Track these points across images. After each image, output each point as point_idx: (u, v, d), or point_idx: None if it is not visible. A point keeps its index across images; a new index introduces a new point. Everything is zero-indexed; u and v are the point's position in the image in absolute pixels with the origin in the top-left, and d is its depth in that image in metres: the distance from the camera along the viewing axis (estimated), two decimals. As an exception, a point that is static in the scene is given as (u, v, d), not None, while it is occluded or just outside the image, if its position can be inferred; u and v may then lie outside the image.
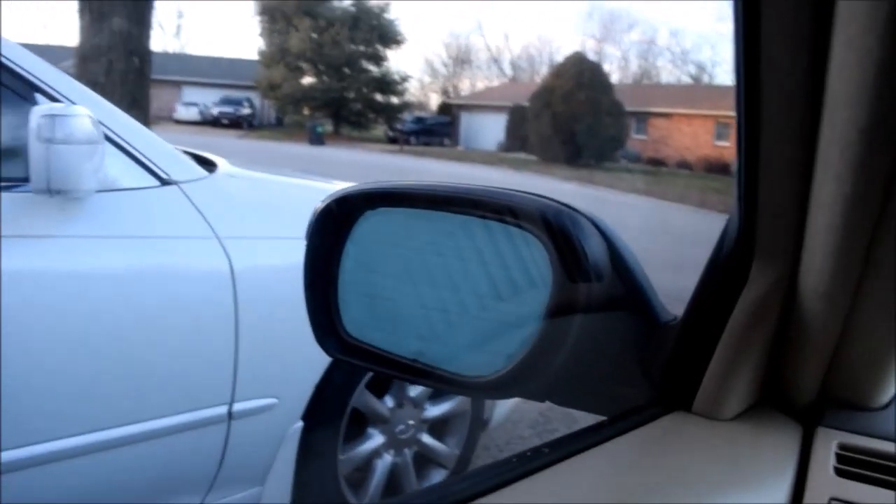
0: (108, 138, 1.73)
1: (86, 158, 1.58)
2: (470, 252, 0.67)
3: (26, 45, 1.78)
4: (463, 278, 0.67)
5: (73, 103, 1.69)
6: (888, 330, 0.60)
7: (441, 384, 0.69)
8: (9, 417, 1.58)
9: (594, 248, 0.60)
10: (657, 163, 29.83)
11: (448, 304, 0.68)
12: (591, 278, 0.60)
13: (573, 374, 0.65)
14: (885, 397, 0.67)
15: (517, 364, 0.62)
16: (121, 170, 1.76)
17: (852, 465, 0.60)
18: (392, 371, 0.71)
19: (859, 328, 0.60)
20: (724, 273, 0.64)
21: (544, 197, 0.64)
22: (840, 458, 0.61)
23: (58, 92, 1.72)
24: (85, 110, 1.61)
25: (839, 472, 0.59)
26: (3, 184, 1.66)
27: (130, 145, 1.79)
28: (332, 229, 0.73)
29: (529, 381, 0.63)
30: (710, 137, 29.13)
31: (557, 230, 0.60)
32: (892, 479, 0.58)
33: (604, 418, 0.66)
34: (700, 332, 0.65)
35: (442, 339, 0.69)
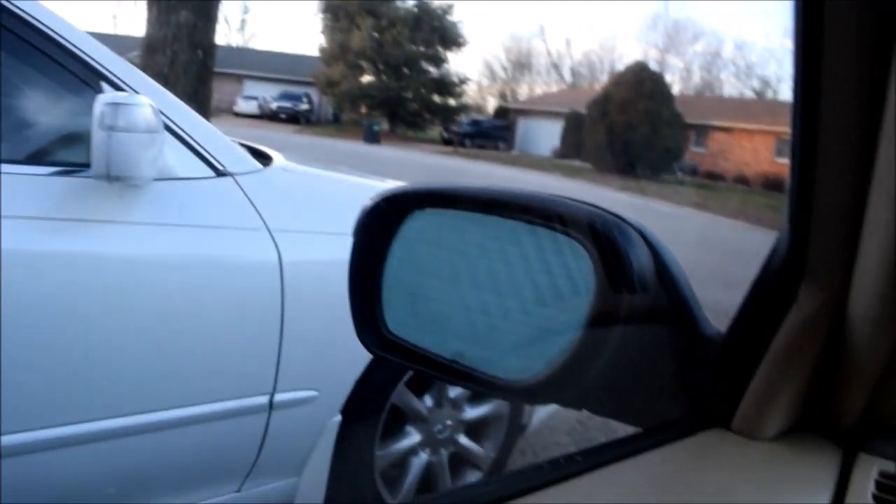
0: (167, 128, 1.77)
1: (145, 147, 1.62)
2: (515, 257, 0.67)
3: (94, 34, 1.84)
4: (507, 283, 0.67)
5: (137, 93, 1.74)
6: None
7: (479, 386, 0.69)
8: (50, 396, 1.63)
9: (640, 259, 0.60)
10: (715, 177, 29.33)
11: (491, 308, 0.69)
12: (635, 289, 0.59)
13: (611, 384, 0.64)
14: (933, 427, 0.66)
15: (555, 370, 0.62)
16: (178, 159, 1.81)
17: (892, 493, 0.58)
18: (430, 370, 0.72)
19: None
20: (771, 291, 0.62)
21: (593, 205, 0.64)
22: (880, 486, 0.59)
23: (122, 81, 1.77)
24: (147, 100, 1.66)
25: (878, 500, 0.58)
26: (65, 168, 1.72)
27: (189, 136, 1.84)
28: (379, 227, 0.73)
29: (566, 388, 0.63)
30: (771, 154, 28.53)
31: (604, 239, 0.60)
32: None
33: (640, 430, 0.65)
34: (744, 350, 0.64)
35: (482, 341, 0.69)
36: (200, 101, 6.22)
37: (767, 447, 0.63)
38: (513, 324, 0.67)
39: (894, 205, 0.47)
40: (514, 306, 0.67)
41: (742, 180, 28.33)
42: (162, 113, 1.73)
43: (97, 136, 1.59)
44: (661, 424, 0.65)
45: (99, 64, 1.76)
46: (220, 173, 1.86)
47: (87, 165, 1.64)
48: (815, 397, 0.65)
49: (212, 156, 1.86)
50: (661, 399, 0.67)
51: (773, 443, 0.63)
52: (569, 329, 0.62)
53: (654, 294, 0.62)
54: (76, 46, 1.73)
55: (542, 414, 2.76)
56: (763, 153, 29.01)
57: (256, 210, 1.87)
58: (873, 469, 0.61)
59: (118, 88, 1.75)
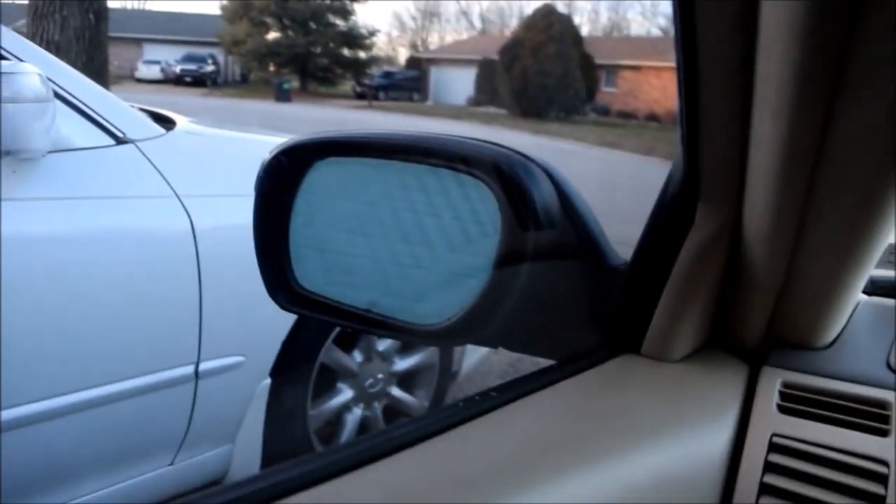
0: (59, 97, 1.68)
1: (35, 118, 1.54)
2: (422, 201, 0.66)
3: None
4: (415, 228, 0.67)
5: (21, 61, 1.64)
6: (831, 270, 0.61)
7: (394, 333, 0.69)
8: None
9: (545, 196, 0.61)
10: (627, 115, 29.81)
11: (400, 254, 0.68)
12: (541, 225, 0.60)
13: (525, 320, 0.65)
14: (829, 337, 0.69)
15: (468, 311, 0.63)
16: (74, 129, 1.72)
17: (795, 402, 0.61)
18: (345, 321, 0.71)
19: (803, 269, 0.61)
20: (670, 217, 0.64)
21: (497, 145, 0.64)
22: (783, 396, 0.62)
23: (5, 50, 1.66)
24: (33, 68, 1.56)
25: (782, 409, 0.61)
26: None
27: (83, 104, 1.75)
28: (281, 181, 0.72)
29: (480, 328, 0.63)
30: (679, 89, 29.03)
31: (509, 177, 0.60)
32: (831, 414, 0.59)
33: (554, 362, 0.67)
34: (648, 276, 0.65)
35: (395, 288, 0.69)
36: (97, 69, 5.93)
37: (676, 367, 0.65)
38: (424, 269, 0.67)
39: (775, 120, 0.48)
40: (423, 252, 0.67)
41: (653, 117, 28.89)
42: (51, 81, 1.64)
43: (-19, 110, 1.50)
44: (574, 355, 0.66)
45: (-23, 33, 1.65)
46: (120, 141, 1.78)
47: (-27, 141, 1.55)
48: (719, 316, 0.68)
49: (110, 123, 1.78)
50: (574, 331, 0.68)
51: (681, 364, 0.66)
52: (479, 270, 0.63)
53: (560, 230, 0.62)
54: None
55: (472, 360, 2.80)
56: (671, 89, 29.25)
57: (162, 176, 1.81)
58: (777, 381, 0.64)
59: (2, 58, 1.65)
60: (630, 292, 0.66)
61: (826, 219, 0.56)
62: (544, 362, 0.70)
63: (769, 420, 0.60)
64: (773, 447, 0.58)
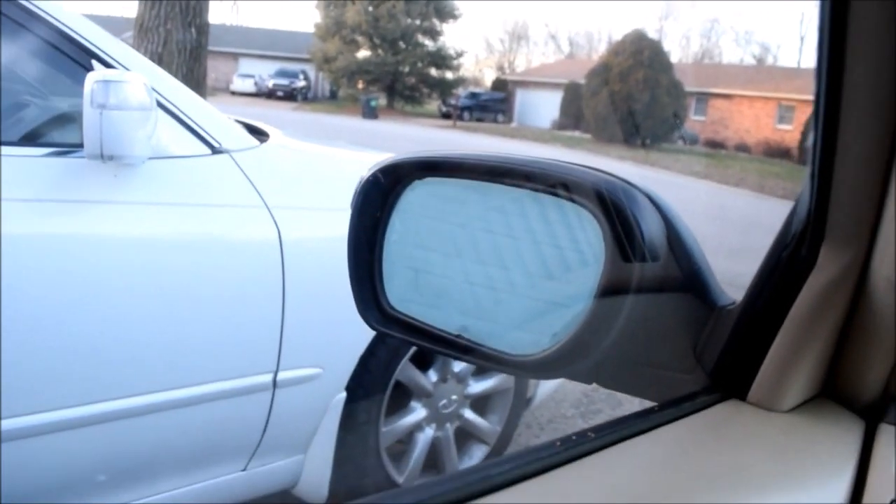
0: (161, 106, 1.74)
1: (139, 125, 1.59)
2: (520, 227, 0.64)
3: (87, 16, 1.80)
4: (512, 253, 0.65)
5: (128, 70, 1.70)
6: None
7: (485, 361, 0.67)
8: (52, 379, 1.61)
9: (650, 226, 0.58)
10: (715, 145, 29.20)
11: (495, 280, 0.66)
12: (645, 257, 0.57)
13: (623, 357, 0.62)
14: (957, 395, 0.63)
15: (564, 344, 0.60)
16: (173, 137, 1.77)
17: None
18: (434, 345, 0.69)
19: None
20: (790, 256, 0.60)
21: (599, 171, 0.62)
22: None
23: (113, 59, 1.73)
24: (139, 77, 1.62)
25: None
26: (59, 149, 1.69)
27: (183, 113, 1.80)
28: (378, 199, 0.71)
29: (576, 362, 0.61)
30: (772, 120, 28.39)
31: (612, 206, 0.57)
32: None
33: (653, 404, 0.63)
34: (761, 318, 0.61)
35: (488, 315, 0.67)
36: (196, 81, 6.16)
37: (786, 418, 0.61)
38: (519, 297, 0.65)
39: None
40: (519, 278, 0.65)
41: (743, 148, 28.20)
42: (155, 90, 1.69)
43: (88, 115, 1.56)
44: (675, 398, 0.63)
45: (91, 43, 1.72)
46: (215, 150, 1.83)
47: (81, 146, 1.61)
48: (835, 366, 0.63)
49: (207, 133, 1.82)
50: (675, 372, 0.64)
51: (791, 414, 0.61)
52: (576, 301, 0.60)
53: (665, 263, 0.59)
54: (68, 26, 1.70)
55: (547, 387, 2.75)
56: (764, 120, 28.87)
57: (254, 187, 1.84)
58: None
59: (109, 67, 1.71)
60: (739, 335, 0.62)
61: None
62: (620, 396, 0.66)
63: (889, 483, 0.55)
64: None
